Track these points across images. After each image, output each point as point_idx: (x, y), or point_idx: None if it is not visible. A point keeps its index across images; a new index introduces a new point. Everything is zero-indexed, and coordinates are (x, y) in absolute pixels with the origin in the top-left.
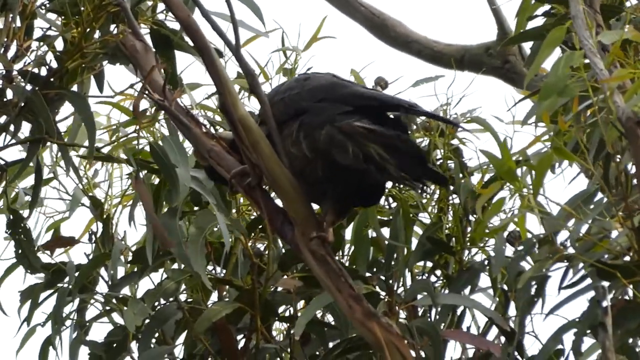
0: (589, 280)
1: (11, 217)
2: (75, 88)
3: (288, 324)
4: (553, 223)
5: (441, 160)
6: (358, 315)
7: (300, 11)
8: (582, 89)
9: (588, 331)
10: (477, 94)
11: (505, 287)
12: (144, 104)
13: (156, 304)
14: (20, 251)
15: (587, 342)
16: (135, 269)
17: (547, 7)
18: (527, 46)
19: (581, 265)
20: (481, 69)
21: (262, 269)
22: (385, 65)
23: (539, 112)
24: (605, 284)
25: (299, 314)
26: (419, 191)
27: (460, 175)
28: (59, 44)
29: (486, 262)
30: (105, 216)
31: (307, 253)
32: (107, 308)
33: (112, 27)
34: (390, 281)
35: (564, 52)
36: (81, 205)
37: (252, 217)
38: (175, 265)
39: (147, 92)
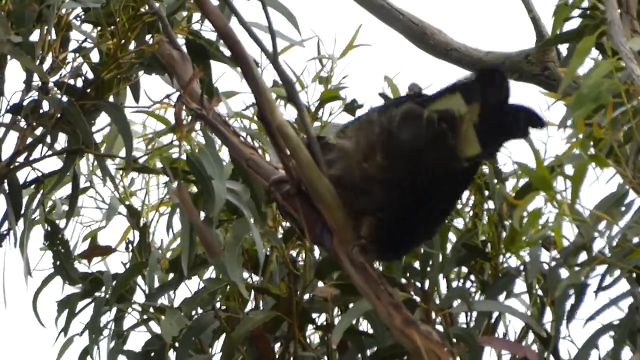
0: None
1: (49, 228)
2: (111, 99)
3: (325, 332)
4: (590, 230)
5: None
6: (397, 323)
7: (337, 20)
8: (616, 94)
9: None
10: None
11: (541, 293)
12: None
13: (193, 312)
14: (58, 262)
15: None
16: (171, 278)
17: (583, 6)
18: (564, 52)
19: (617, 272)
20: (521, 77)
21: (299, 277)
22: (423, 72)
23: (574, 119)
24: None
25: (336, 322)
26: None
27: (495, 181)
28: (95, 56)
29: (522, 268)
30: (142, 225)
31: (346, 261)
32: (145, 317)
33: (148, 37)
34: (426, 288)
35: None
36: (118, 214)
37: (289, 226)
38: (210, 274)
39: (186, 101)
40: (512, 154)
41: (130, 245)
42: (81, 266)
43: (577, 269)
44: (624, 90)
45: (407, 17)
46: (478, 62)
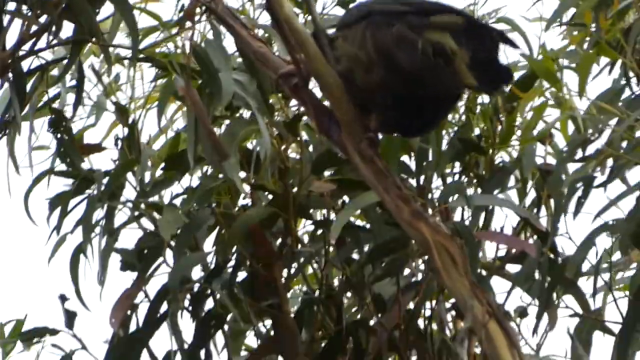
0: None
1: (53, 115)
2: None
3: (322, 228)
4: (597, 122)
5: None
6: (406, 215)
7: None
8: None
9: None
10: None
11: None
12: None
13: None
14: (62, 149)
15: None
16: (161, 175)
17: None
18: None
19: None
20: None
21: (294, 173)
22: None
23: (580, 10)
24: None
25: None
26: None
27: None
28: None
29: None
30: (130, 121)
31: (354, 154)
32: (136, 214)
33: None
34: (422, 183)
35: None
36: (106, 110)
37: (283, 121)
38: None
39: None
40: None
41: (119, 142)
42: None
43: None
44: None
45: None
46: None
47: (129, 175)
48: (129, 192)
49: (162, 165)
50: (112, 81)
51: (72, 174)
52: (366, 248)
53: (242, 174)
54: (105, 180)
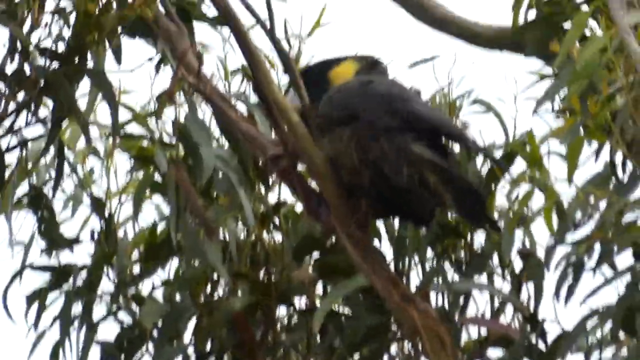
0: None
1: (33, 194)
2: (91, 63)
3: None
4: (585, 207)
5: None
6: (395, 298)
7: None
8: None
9: None
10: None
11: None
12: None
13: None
14: (42, 227)
15: None
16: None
17: None
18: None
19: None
20: (520, 50)
21: (275, 260)
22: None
23: (569, 95)
24: None
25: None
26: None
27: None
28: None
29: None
30: (107, 215)
31: (343, 236)
32: (114, 308)
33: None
34: (402, 267)
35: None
36: (81, 203)
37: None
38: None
39: (183, 74)
40: (481, 130)
41: (95, 235)
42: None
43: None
44: (619, 64)
45: None
46: (477, 36)
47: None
48: (107, 286)
49: (139, 256)
50: (86, 174)
51: (51, 268)
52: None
53: None
54: (83, 274)
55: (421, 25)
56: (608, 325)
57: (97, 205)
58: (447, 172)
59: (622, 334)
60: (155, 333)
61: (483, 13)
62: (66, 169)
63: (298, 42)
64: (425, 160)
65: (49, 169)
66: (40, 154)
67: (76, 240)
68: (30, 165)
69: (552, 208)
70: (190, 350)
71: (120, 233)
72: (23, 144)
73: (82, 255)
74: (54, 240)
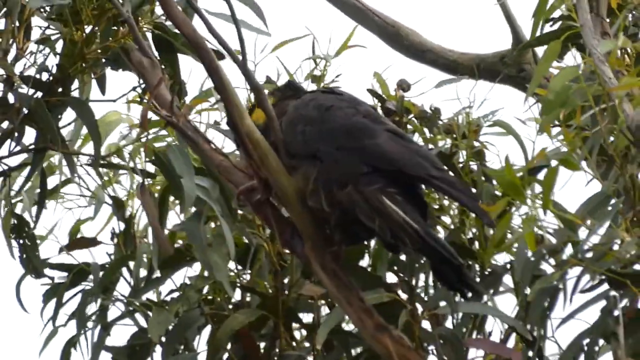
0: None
1: (15, 222)
2: (76, 93)
3: (311, 331)
4: (563, 234)
5: (463, 163)
6: (369, 328)
7: (313, 20)
8: (584, 98)
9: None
10: (494, 100)
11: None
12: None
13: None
14: (24, 256)
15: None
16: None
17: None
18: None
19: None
20: (496, 77)
21: (285, 275)
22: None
23: (541, 124)
24: (617, 292)
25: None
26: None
27: (483, 178)
28: (59, 46)
29: (509, 266)
30: (127, 216)
31: (317, 266)
32: (130, 309)
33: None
34: (413, 283)
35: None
36: (105, 203)
37: None
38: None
39: (155, 107)
40: (500, 151)
41: (115, 237)
42: (66, 257)
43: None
44: (590, 93)
45: (381, 18)
46: (453, 64)
47: (124, 269)
48: (124, 287)
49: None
50: (110, 174)
51: (68, 267)
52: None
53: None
54: (100, 274)
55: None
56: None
57: (118, 206)
58: (420, 240)
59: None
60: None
61: (459, 41)
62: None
63: (324, 62)
64: (397, 222)
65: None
66: (24, 183)
67: (92, 243)
68: (13, 193)
69: (532, 233)
70: (200, 358)
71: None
72: (6, 172)
73: (101, 254)
74: (36, 269)
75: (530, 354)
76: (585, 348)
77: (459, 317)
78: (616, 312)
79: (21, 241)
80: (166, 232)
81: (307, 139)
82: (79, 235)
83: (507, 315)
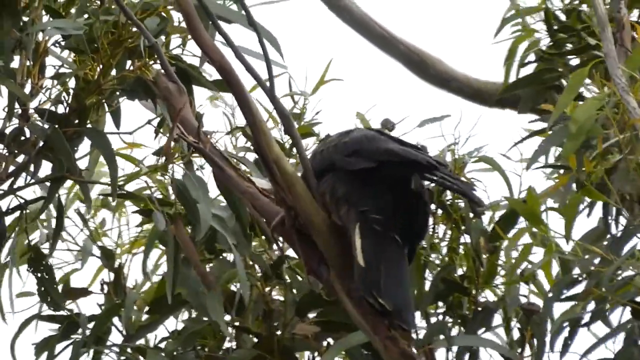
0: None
1: (32, 254)
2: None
3: None
4: (585, 265)
5: (450, 200)
6: (394, 355)
7: (331, 47)
8: (606, 128)
9: None
10: (484, 133)
11: (519, 326)
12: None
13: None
14: (42, 288)
15: None
16: (148, 318)
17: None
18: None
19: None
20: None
21: (279, 315)
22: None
23: (564, 153)
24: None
25: None
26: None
27: (471, 215)
28: (72, 82)
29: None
30: (116, 266)
31: (342, 295)
32: (122, 358)
33: (129, 64)
34: None
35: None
36: (92, 255)
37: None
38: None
39: (182, 133)
40: (487, 187)
41: (105, 286)
42: None
43: (571, 303)
44: (615, 121)
45: (407, 47)
46: (477, 93)
47: (115, 318)
48: (115, 336)
49: (147, 308)
50: (98, 226)
51: (58, 319)
52: None
53: (227, 317)
54: (90, 325)
55: (422, 83)
56: None
57: (107, 257)
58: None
59: None
60: None
61: (483, 69)
62: (76, 220)
63: (302, 99)
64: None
65: (49, 229)
66: (38, 213)
67: (83, 293)
68: (29, 226)
69: (550, 262)
70: None
71: (129, 283)
72: (23, 205)
73: (91, 305)
74: (55, 301)
75: None
76: None
77: (454, 352)
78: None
79: (39, 274)
80: (155, 279)
81: (325, 155)
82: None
83: (505, 347)
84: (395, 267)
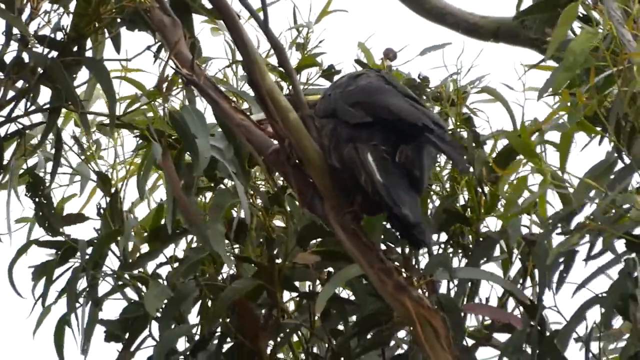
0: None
1: (31, 179)
2: (89, 53)
3: (307, 300)
4: (579, 197)
5: (452, 130)
6: (389, 288)
7: None
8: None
9: None
10: (490, 64)
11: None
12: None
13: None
14: (40, 213)
15: None
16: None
17: None
18: None
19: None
20: (516, 41)
21: (280, 245)
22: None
23: (555, 85)
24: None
25: (319, 290)
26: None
27: (473, 145)
28: (72, 6)
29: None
30: (113, 191)
31: (337, 227)
32: (120, 283)
33: None
34: (407, 252)
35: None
36: (90, 180)
37: (270, 194)
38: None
39: (176, 65)
40: (490, 117)
41: (101, 211)
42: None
43: (566, 236)
44: (609, 54)
45: None
46: (473, 27)
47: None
48: (113, 261)
49: (146, 236)
50: (92, 149)
51: (56, 244)
52: (352, 319)
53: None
54: (89, 250)
55: (418, 18)
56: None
57: (103, 182)
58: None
59: (617, 323)
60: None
61: (479, 4)
62: (71, 143)
63: (306, 30)
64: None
65: (48, 156)
66: (38, 142)
67: (80, 218)
68: (27, 152)
69: (545, 194)
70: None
71: (125, 207)
72: (22, 131)
73: (88, 229)
74: (52, 226)
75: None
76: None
77: (455, 283)
78: (635, 275)
79: (37, 199)
80: (154, 205)
81: (330, 100)
82: (64, 212)
83: (505, 279)
84: (407, 190)
